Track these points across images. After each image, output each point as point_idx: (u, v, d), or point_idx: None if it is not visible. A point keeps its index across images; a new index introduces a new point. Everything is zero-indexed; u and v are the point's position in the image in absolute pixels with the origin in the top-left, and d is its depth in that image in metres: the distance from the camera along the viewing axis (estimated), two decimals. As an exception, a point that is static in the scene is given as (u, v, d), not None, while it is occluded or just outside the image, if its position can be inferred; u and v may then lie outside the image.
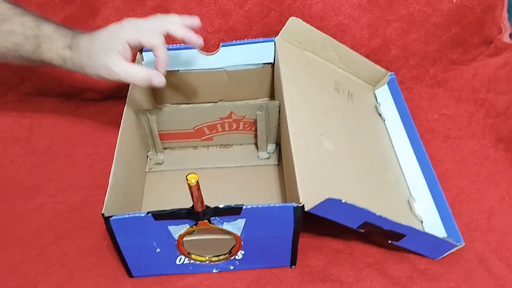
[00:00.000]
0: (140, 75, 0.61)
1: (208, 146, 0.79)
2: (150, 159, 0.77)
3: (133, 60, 0.76)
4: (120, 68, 0.60)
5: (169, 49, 0.75)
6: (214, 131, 0.76)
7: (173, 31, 0.64)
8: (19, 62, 0.65)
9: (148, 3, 0.80)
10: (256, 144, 0.78)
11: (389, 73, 0.84)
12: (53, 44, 0.62)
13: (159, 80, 0.62)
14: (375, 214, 0.55)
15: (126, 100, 0.69)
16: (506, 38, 0.85)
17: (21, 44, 0.62)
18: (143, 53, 0.77)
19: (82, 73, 0.63)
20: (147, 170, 0.76)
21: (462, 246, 0.61)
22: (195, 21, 0.67)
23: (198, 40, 0.65)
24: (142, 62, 0.77)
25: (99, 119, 0.84)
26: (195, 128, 0.75)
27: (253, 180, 0.74)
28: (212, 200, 0.54)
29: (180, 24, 0.65)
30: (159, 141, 0.76)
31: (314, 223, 0.62)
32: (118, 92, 0.86)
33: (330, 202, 0.52)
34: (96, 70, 0.61)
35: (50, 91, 0.86)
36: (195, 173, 0.49)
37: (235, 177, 0.74)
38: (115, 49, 0.60)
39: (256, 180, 0.74)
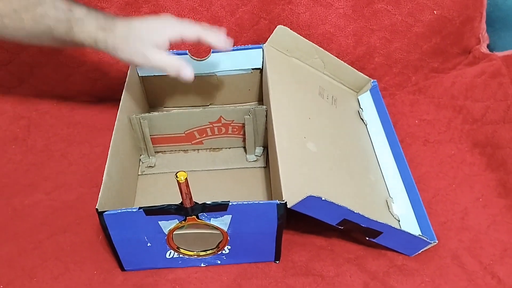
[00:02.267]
0: (172, 65, 0.64)
1: (198, 149, 0.82)
2: (143, 163, 0.80)
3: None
4: (155, 57, 0.64)
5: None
6: (204, 135, 0.79)
7: (206, 34, 0.67)
8: (53, 44, 0.67)
9: (143, 10, 0.83)
10: (244, 147, 0.81)
11: (372, 80, 0.87)
12: (85, 27, 0.64)
13: (187, 72, 0.65)
14: (354, 212, 0.58)
15: (119, 103, 0.72)
16: (483, 49, 0.88)
17: (54, 26, 0.64)
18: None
19: (111, 55, 0.65)
20: (139, 173, 0.79)
21: (435, 243, 0.65)
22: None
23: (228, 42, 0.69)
24: (137, 67, 0.80)
25: (94, 120, 0.87)
26: (186, 132, 0.78)
27: (242, 182, 0.77)
28: (202, 199, 0.57)
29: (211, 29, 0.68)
30: (151, 145, 0.79)
31: (298, 221, 0.66)
32: (112, 95, 0.88)
33: (311, 200, 0.56)
34: (130, 55, 0.64)
35: (47, 93, 0.89)
36: (184, 171, 0.52)
37: (224, 179, 0.78)
38: (155, 42, 0.63)
39: (244, 182, 0.77)
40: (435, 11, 0.86)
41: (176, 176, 0.52)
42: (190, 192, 0.55)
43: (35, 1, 0.63)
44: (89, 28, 0.64)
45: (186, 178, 0.52)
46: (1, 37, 0.65)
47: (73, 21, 0.64)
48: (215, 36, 0.67)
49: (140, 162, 0.80)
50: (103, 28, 0.64)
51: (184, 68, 0.65)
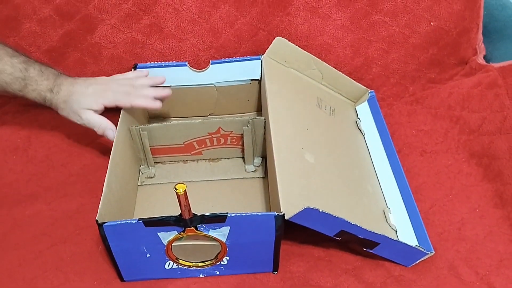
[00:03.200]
0: (100, 125, 0.73)
1: (197, 160, 0.83)
2: (142, 173, 0.81)
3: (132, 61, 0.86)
4: (87, 117, 0.73)
5: (161, 66, 0.81)
6: (203, 145, 0.80)
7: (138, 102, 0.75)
8: (2, 94, 0.75)
9: (143, 21, 0.84)
10: (243, 157, 0.82)
11: (369, 91, 0.88)
12: (37, 86, 0.72)
13: (111, 134, 0.72)
14: (351, 223, 0.59)
15: (119, 113, 0.73)
16: (480, 59, 0.89)
17: (10, 83, 0.71)
18: (137, 69, 0.81)
19: (56, 110, 0.74)
20: (139, 184, 0.79)
21: (432, 254, 0.65)
22: (160, 80, 0.79)
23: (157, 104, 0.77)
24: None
25: (94, 131, 0.87)
26: (185, 143, 0.79)
27: (240, 192, 0.78)
28: (201, 210, 0.57)
29: (146, 90, 0.76)
30: (150, 156, 0.79)
31: (296, 232, 0.66)
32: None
33: (309, 211, 0.56)
34: (68, 114, 0.73)
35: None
36: (183, 183, 0.53)
37: (223, 190, 0.78)
38: (90, 106, 0.72)
39: (243, 192, 0.78)
40: (432, 23, 0.87)
41: (175, 188, 0.53)
42: (189, 203, 0.55)
43: None
44: (41, 87, 0.72)
45: (185, 190, 0.53)
46: None
47: (27, 80, 0.72)
48: (144, 101, 0.75)
49: (140, 172, 0.81)
50: (51, 89, 0.72)
51: (108, 130, 0.73)
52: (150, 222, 0.57)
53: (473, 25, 0.89)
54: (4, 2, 0.81)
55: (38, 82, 0.72)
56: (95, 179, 0.79)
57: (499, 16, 0.92)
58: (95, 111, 0.73)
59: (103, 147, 0.83)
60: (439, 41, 0.88)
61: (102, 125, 0.73)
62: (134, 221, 0.57)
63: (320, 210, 0.56)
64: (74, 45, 0.85)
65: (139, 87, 0.76)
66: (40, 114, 0.89)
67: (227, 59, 0.83)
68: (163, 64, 0.82)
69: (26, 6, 0.82)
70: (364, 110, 0.88)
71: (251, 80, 0.85)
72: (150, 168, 0.81)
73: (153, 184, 0.80)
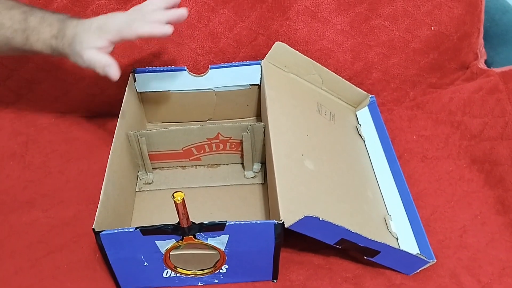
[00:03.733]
0: (100, 62, 0.63)
1: (196, 166, 0.82)
2: (140, 179, 0.80)
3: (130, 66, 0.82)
4: (87, 55, 0.62)
5: (160, 71, 0.80)
6: (202, 151, 0.79)
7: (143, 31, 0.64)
8: (13, 53, 0.68)
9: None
10: (242, 163, 0.81)
11: (370, 96, 0.88)
12: (40, 35, 0.64)
13: (112, 71, 0.63)
14: (351, 231, 0.58)
15: (118, 118, 0.72)
16: (481, 64, 0.89)
17: (11, 37, 0.64)
18: (135, 74, 0.80)
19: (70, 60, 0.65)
20: (137, 190, 0.79)
21: (434, 262, 0.64)
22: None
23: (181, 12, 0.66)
24: (135, 83, 0.81)
25: (92, 136, 0.87)
26: (184, 149, 0.78)
27: (239, 198, 0.77)
28: (199, 217, 0.57)
29: (156, 14, 0.65)
30: (148, 162, 0.79)
31: (296, 239, 0.65)
32: (110, 110, 0.89)
33: (309, 220, 0.56)
34: (75, 59, 0.64)
35: (45, 108, 0.89)
36: (181, 191, 0.53)
37: (222, 196, 0.78)
38: (94, 44, 0.63)
39: (242, 198, 0.77)
40: (432, 27, 0.86)
41: (173, 197, 0.52)
42: (187, 212, 0.55)
43: None
44: (44, 36, 0.64)
45: (183, 198, 0.53)
46: None
47: (28, 31, 0.64)
48: (149, 27, 0.63)
49: (138, 178, 0.80)
50: (55, 36, 0.64)
51: (110, 66, 0.63)
52: (147, 231, 0.57)
53: (474, 29, 0.88)
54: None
55: (40, 30, 0.64)
56: (92, 185, 0.78)
57: (500, 21, 0.92)
58: (99, 48, 0.63)
59: (101, 152, 0.82)
60: (440, 45, 0.88)
61: (102, 61, 0.62)
62: (132, 230, 0.56)
63: (320, 219, 0.56)
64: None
65: (148, 12, 0.64)
66: (37, 119, 0.88)
67: (226, 64, 0.83)
68: (161, 69, 0.81)
69: (24, 11, 0.81)
70: (364, 115, 0.87)
71: (251, 85, 0.84)
72: (148, 174, 0.80)
73: (151, 190, 0.79)
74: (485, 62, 0.90)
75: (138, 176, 0.80)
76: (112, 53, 0.83)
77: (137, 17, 0.64)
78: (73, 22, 0.65)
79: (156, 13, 0.64)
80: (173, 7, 0.66)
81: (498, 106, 0.79)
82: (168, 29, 0.63)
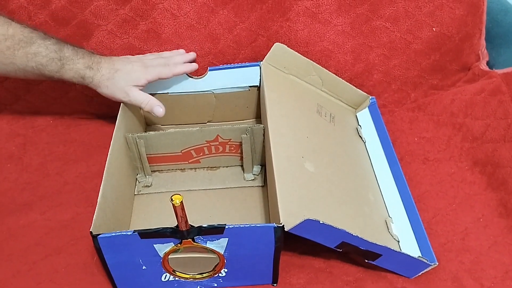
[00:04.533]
0: (148, 102, 0.74)
1: (195, 168, 0.81)
2: (139, 182, 0.79)
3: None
4: (134, 94, 0.73)
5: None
6: (201, 154, 0.79)
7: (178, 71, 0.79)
8: (37, 78, 0.74)
9: (141, 27, 0.83)
10: (242, 166, 0.81)
11: (370, 97, 0.87)
12: (74, 65, 0.71)
13: (159, 110, 0.75)
14: (352, 234, 0.57)
15: (116, 120, 0.72)
16: (483, 66, 0.88)
17: (46, 64, 0.70)
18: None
19: (94, 89, 0.74)
20: (135, 193, 0.78)
21: (435, 265, 0.64)
22: (192, 56, 0.83)
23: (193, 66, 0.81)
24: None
25: (90, 138, 0.86)
26: (183, 151, 0.78)
27: (239, 201, 0.76)
28: (199, 220, 0.56)
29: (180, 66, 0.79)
30: (147, 164, 0.78)
31: (296, 242, 0.64)
32: (108, 112, 0.88)
33: (309, 223, 0.55)
34: (113, 92, 0.73)
35: (43, 110, 0.89)
36: (179, 194, 0.52)
37: (221, 199, 0.77)
38: (136, 83, 0.73)
39: (241, 201, 0.76)
40: (434, 28, 0.85)
41: (172, 200, 0.52)
42: (185, 215, 0.54)
43: (28, 41, 0.69)
44: (78, 66, 0.71)
45: (182, 201, 0.52)
46: None
47: (64, 60, 0.71)
48: (187, 69, 0.79)
49: (137, 181, 0.80)
50: (90, 67, 0.72)
51: (156, 106, 0.75)
52: (146, 234, 0.56)
53: (475, 30, 0.87)
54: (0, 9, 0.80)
55: (75, 61, 0.71)
56: (90, 187, 0.78)
57: (502, 22, 0.91)
58: (140, 87, 0.74)
59: (99, 154, 0.82)
60: (441, 47, 0.87)
61: (150, 102, 0.74)
62: (130, 233, 0.56)
63: (320, 222, 0.55)
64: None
65: (172, 61, 0.79)
66: (35, 121, 0.88)
67: (225, 66, 0.82)
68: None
69: (21, 12, 0.81)
70: (365, 117, 0.86)
71: (250, 86, 0.83)
72: (147, 177, 0.80)
73: (149, 193, 0.78)
74: (487, 63, 0.90)
75: (136, 179, 0.80)
76: (111, 54, 0.84)
77: (165, 62, 0.78)
78: (104, 58, 0.74)
79: (180, 64, 0.79)
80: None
81: (501, 107, 0.79)
82: (195, 65, 0.80)
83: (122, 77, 0.73)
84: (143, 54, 0.83)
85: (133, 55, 0.82)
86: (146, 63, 0.76)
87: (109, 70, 0.72)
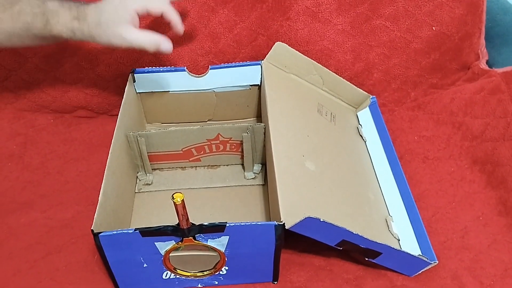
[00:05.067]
0: (150, 40, 0.65)
1: (196, 167, 0.82)
2: (140, 180, 0.80)
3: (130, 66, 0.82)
4: (131, 36, 0.64)
5: (159, 71, 0.80)
6: (202, 152, 0.79)
7: (170, 12, 0.70)
8: (33, 42, 0.68)
9: (141, 26, 0.81)
10: (242, 164, 0.81)
11: (371, 96, 0.87)
12: (60, 18, 0.65)
13: (167, 45, 0.66)
14: (352, 233, 0.58)
15: (117, 118, 0.71)
16: (483, 65, 0.88)
17: (31, 22, 0.65)
18: (134, 74, 0.80)
19: (91, 42, 0.66)
20: (136, 191, 0.78)
21: (435, 264, 0.64)
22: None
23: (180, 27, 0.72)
24: (134, 83, 0.80)
25: (91, 136, 0.86)
26: (183, 150, 0.78)
27: (240, 200, 0.77)
28: (199, 218, 0.56)
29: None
30: (148, 163, 0.78)
31: (297, 240, 0.65)
32: (109, 110, 0.89)
33: (310, 221, 0.55)
34: (108, 39, 0.65)
35: (44, 108, 0.89)
36: (180, 192, 0.52)
37: (222, 197, 0.77)
38: (124, 19, 0.64)
39: (242, 200, 0.77)
40: (433, 27, 0.85)
41: (173, 198, 0.52)
42: (186, 213, 0.54)
43: (11, 1, 0.64)
44: (64, 19, 0.65)
45: (183, 200, 0.52)
46: None
47: (48, 14, 0.64)
48: (177, 16, 0.70)
49: (137, 179, 0.80)
50: (76, 17, 0.65)
51: (162, 42, 0.66)
52: (147, 232, 0.56)
53: (475, 29, 0.88)
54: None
55: (60, 13, 0.64)
56: (91, 186, 0.78)
57: (502, 21, 0.91)
58: (133, 23, 0.65)
59: (99, 153, 0.82)
60: (441, 46, 0.87)
61: (153, 39, 0.65)
62: (131, 231, 0.56)
63: (321, 220, 0.55)
64: (71, 50, 0.83)
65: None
66: (36, 119, 0.88)
67: (226, 64, 0.82)
68: (161, 69, 0.80)
69: None
70: (365, 116, 0.86)
71: (251, 85, 0.84)
72: (147, 175, 0.80)
73: (150, 191, 0.78)
74: (487, 62, 0.90)
75: (137, 177, 0.80)
76: (113, 55, 0.84)
77: None
78: (90, 4, 0.65)
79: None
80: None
81: (500, 106, 0.79)
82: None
83: (109, 17, 0.64)
84: (143, 52, 0.82)
85: (134, 54, 0.82)
86: None
87: (94, 15, 0.64)
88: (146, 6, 0.66)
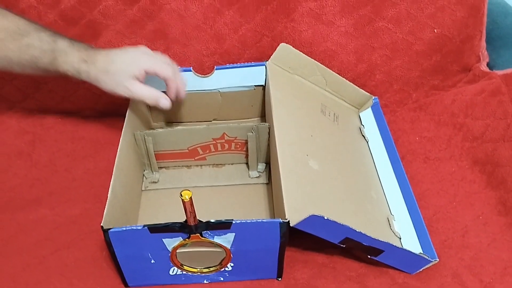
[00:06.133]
0: (151, 96, 0.70)
1: (201, 165, 0.83)
2: (146, 178, 0.81)
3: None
4: (136, 89, 0.69)
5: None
6: (207, 151, 0.81)
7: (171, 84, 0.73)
8: (35, 73, 0.71)
9: (148, 27, 0.85)
10: (247, 163, 0.82)
11: (373, 97, 0.89)
12: (68, 57, 0.68)
13: (165, 102, 0.71)
14: (355, 230, 0.59)
15: (124, 118, 0.73)
16: (483, 67, 0.89)
17: (39, 57, 0.68)
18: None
19: (94, 85, 0.70)
20: (143, 189, 0.80)
21: (436, 262, 0.65)
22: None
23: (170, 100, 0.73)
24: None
25: (98, 135, 0.88)
26: (189, 149, 0.79)
27: (244, 198, 0.78)
28: (205, 216, 0.58)
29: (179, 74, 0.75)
30: (154, 161, 0.80)
31: (300, 238, 0.66)
32: (116, 110, 0.90)
33: (314, 219, 0.57)
34: (112, 87, 0.69)
35: (52, 108, 0.90)
36: (188, 190, 0.53)
37: (227, 195, 0.79)
38: (133, 74, 0.68)
39: (246, 198, 0.78)
40: (435, 30, 0.87)
41: (181, 195, 0.53)
42: (194, 210, 0.56)
43: (21, 32, 0.68)
44: (72, 59, 0.68)
45: (191, 197, 0.53)
46: None
47: (57, 52, 0.68)
48: (181, 86, 0.74)
49: (144, 177, 0.81)
50: (84, 60, 0.68)
51: (161, 98, 0.71)
52: (155, 229, 0.58)
53: (476, 32, 0.89)
54: (9, 8, 0.81)
55: (68, 54, 0.68)
56: (98, 183, 0.79)
57: (502, 23, 0.93)
58: (139, 79, 0.69)
59: (106, 151, 0.84)
60: (443, 48, 0.89)
61: (154, 95, 0.70)
62: (140, 227, 0.57)
63: (325, 218, 0.57)
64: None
65: (177, 69, 0.75)
66: (44, 118, 0.89)
67: (231, 65, 0.83)
68: (168, 70, 0.82)
69: (31, 11, 0.82)
70: (367, 116, 0.88)
71: (255, 86, 0.85)
72: (154, 173, 0.81)
73: (157, 189, 0.80)
74: (487, 64, 0.91)
75: (144, 175, 0.81)
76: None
77: (166, 61, 0.73)
78: (101, 51, 0.70)
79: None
80: None
81: (500, 108, 0.80)
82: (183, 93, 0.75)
83: (118, 68, 0.68)
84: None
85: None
86: (145, 51, 0.72)
87: (104, 62, 0.68)
88: (155, 70, 0.70)
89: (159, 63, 0.71)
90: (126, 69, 0.68)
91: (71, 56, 0.68)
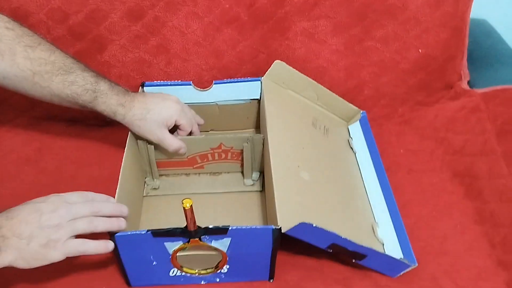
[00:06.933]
0: (176, 145, 0.79)
1: (199, 173, 0.88)
2: (147, 185, 0.85)
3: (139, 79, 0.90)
4: (165, 138, 0.77)
5: (167, 85, 0.85)
6: (205, 160, 0.85)
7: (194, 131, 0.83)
8: (72, 106, 0.76)
9: (151, 42, 0.89)
10: (242, 172, 0.87)
11: (361, 111, 0.93)
12: (107, 99, 0.74)
13: (184, 151, 0.81)
14: (341, 237, 0.64)
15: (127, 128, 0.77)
16: (464, 85, 0.94)
17: (81, 94, 0.73)
18: (144, 87, 0.86)
19: (126, 126, 0.76)
20: (144, 195, 0.84)
21: (415, 266, 0.70)
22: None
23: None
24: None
25: (102, 143, 0.91)
26: (188, 157, 0.84)
27: (239, 204, 0.82)
28: (202, 221, 0.62)
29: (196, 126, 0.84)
30: (156, 169, 0.84)
31: (291, 243, 0.69)
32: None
33: (303, 226, 0.61)
34: (144, 132, 0.76)
35: (58, 116, 0.94)
36: (189, 198, 0.58)
37: (223, 202, 0.83)
38: (165, 123, 0.77)
39: (241, 205, 0.82)
40: (420, 50, 0.92)
41: (182, 203, 0.58)
42: (194, 217, 0.60)
43: (67, 69, 0.73)
44: (111, 101, 0.74)
45: (191, 205, 0.58)
46: (24, 92, 0.73)
47: (98, 93, 0.74)
48: (186, 134, 0.82)
49: (145, 184, 0.86)
50: (122, 104, 0.74)
51: (182, 148, 0.80)
52: (158, 233, 0.62)
53: (458, 52, 0.94)
54: (20, 21, 0.85)
55: (109, 96, 0.74)
56: (102, 190, 0.80)
57: (483, 44, 0.98)
58: (169, 128, 0.78)
59: (110, 159, 0.86)
60: (427, 66, 0.93)
61: (177, 146, 0.78)
62: (143, 232, 0.62)
63: (313, 225, 0.61)
64: (84, 62, 0.89)
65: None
66: (51, 126, 0.92)
67: (229, 80, 0.87)
68: (169, 83, 0.86)
69: (41, 26, 0.86)
70: (356, 129, 0.93)
71: (251, 99, 0.89)
72: (154, 180, 0.86)
73: (157, 195, 0.84)
74: (468, 83, 0.96)
75: (145, 182, 0.86)
76: (124, 68, 0.90)
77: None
78: (137, 97, 0.76)
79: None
80: None
81: (479, 124, 0.85)
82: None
83: (153, 118, 0.75)
84: (152, 67, 0.90)
85: (144, 68, 0.88)
86: (177, 100, 0.79)
87: (141, 110, 0.75)
88: (181, 122, 0.79)
89: (186, 118, 0.79)
90: (161, 120, 0.76)
91: (110, 99, 0.74)
